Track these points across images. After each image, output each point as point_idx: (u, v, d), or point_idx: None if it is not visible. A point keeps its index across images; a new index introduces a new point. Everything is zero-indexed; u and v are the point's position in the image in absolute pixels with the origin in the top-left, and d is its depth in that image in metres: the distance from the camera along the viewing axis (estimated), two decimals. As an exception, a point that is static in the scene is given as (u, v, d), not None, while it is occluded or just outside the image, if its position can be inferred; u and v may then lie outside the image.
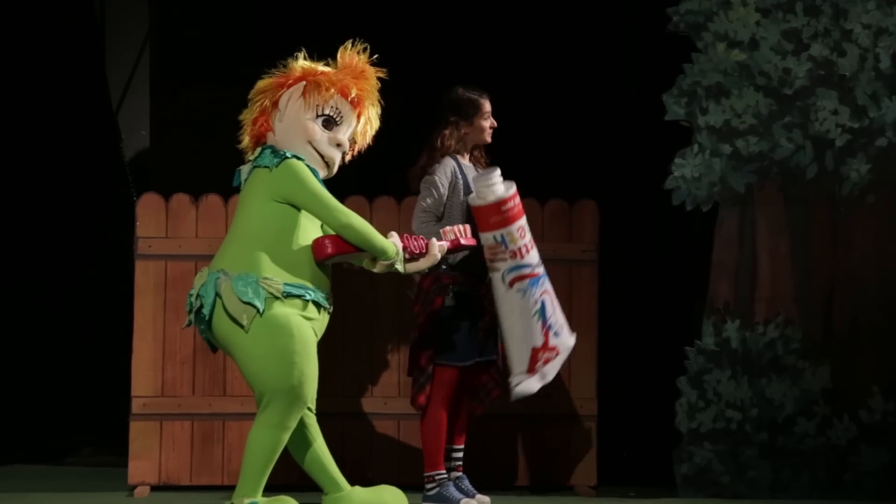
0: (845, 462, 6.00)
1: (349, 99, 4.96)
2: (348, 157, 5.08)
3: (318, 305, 4.86)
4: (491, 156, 6.96)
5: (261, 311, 4.76)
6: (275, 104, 4.96)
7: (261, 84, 5.00)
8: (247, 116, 5.00)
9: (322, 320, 4.92)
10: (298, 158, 4.89)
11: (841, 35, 6.07)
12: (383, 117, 5.07)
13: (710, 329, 6.06)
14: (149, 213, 6.06)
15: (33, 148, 7.26)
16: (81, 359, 7.23)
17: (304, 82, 4.95)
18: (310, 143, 4.94)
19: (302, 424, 4.90)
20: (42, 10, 7.27)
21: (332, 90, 4.95)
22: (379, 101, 5.05)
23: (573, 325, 6.11)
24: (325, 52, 5.05)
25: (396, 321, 6.12)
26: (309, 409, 4.93)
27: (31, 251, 7.24)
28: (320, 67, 5.00)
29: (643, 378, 6.76)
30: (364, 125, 5.03)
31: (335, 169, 5.02)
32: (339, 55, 5.01)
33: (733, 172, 6.07)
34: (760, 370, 6.04)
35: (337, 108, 4.97)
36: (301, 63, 4.99)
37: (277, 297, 4.77)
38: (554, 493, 6.06)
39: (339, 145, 4.99)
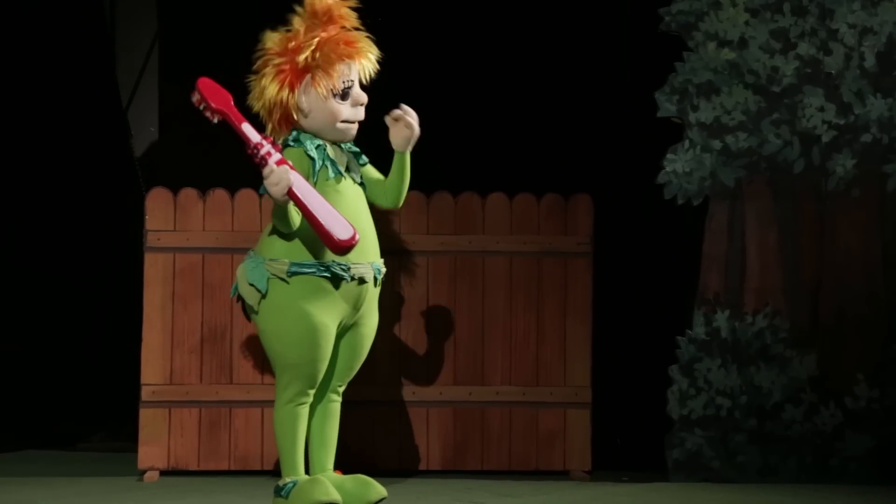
0: (831, 447, 6.11)
1: (347, 59, 4.85)
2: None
3: (337, 277, 4.83)
4: (489, 152, 7.08)
5: (263, 293, 4.85)
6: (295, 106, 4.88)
7: (270, 95, 4.89)
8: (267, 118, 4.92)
9: (349, 290, 4.85)
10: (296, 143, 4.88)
11: (827, 34, 6.17)
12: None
13: (700, 319, 6.16)
14: (158, 206, 6.14)
15: (50, 146, 7.33)
16: (93, 348, 7.27)
17: (309, 75, 4.86)
18: (339, 121, 4.89)
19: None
20: (54, 15, 7.35)
21: (336, 66, 4.84)
22: (358, 20, 4.90)
23: (569, 315, 6.23)
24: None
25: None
26: (336, 391, 5.01)
27: (44, 243, 7.29)
28: (293, 43, 4.84)
29: (636, 367, 6.85)
30: (366, 64, 4.90)
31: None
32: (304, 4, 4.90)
33: (723, 167, 6.17)
34: (749, 359, 6.14)
35: (345, 75, 4.88)
36: (294, 59, 4.84)
37: (282, 279, 4.84)
38: (550, 478, 6.16)
39: (361, 104, 4.91)
